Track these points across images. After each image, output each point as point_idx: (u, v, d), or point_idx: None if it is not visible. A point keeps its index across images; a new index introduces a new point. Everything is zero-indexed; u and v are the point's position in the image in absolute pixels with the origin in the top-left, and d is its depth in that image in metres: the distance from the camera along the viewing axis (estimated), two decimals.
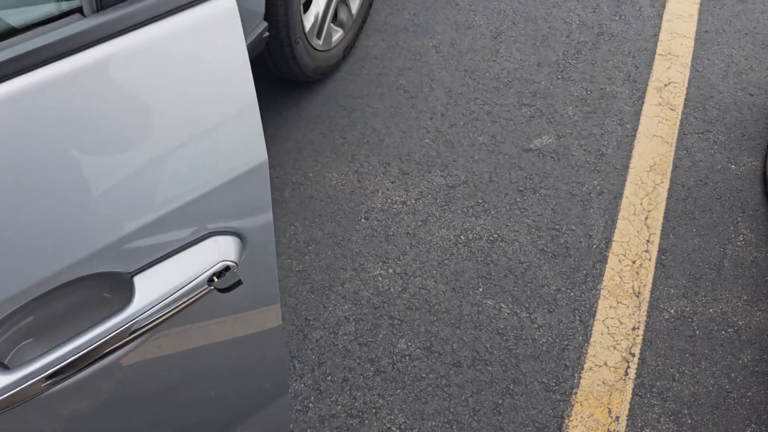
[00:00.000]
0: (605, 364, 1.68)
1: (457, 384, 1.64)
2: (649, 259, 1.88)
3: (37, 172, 0.61)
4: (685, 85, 2.33)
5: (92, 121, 0.64)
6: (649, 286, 1.83)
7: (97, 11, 0.63)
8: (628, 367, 1.68)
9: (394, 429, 1.58)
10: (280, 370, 1.04)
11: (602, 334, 1.73)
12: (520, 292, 1.80)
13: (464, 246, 1.90)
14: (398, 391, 1.63)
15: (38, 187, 0.62)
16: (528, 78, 2.33)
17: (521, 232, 1.93)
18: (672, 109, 2.26)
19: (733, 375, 1.66)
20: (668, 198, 2.02)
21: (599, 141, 2.16)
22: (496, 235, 1.92)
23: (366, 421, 1.58)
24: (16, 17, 0.65)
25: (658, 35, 2.49)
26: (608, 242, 1.91)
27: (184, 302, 0.69)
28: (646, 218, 1.97)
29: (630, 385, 1.65)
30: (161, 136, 0.67)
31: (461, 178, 2.05)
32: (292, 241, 1.90)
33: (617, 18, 2.55)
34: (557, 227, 1.94)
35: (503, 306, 1.78)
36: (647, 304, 1.79)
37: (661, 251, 1.90)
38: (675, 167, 2.10)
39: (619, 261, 1.87)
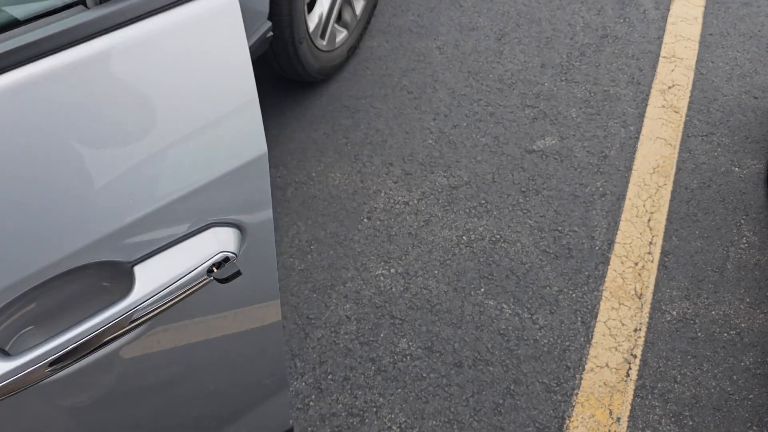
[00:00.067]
0: (607, 365, 1.68)
1: (458, 384, 1.64)
2: (652, 261, 1.87)
3: (38, 162, 0.62)
4: (689, 88, 2.33)
5: (93, 111, 0.64)
6: (652, 287, 1.82)
7: (100, 3, 0.64)
8: (630, 368, 1.67)
9: (394, 428, 1.58)
10: (279, 365, 1.04)
11: (604, 336, 1.73)
12: (521, 293, 1.80)
13: (466, 246, 1.90)
14: (399, 390, 1.63)
15: (40, 177, 0.62)
16: (531, 79, 2.34)
17: (523, 233, 1.93)
18: (676, 112, 2.26)
19: (734, 377, 1.66)
20: (671, 200, 2.02)
21: (602, 143, 2.16)
22: (498, 236, 1.92)
23: (367, 420, 1.59)
24: (20, 9, 0.66)
25: (662, 38, 2.49)
26: (611, 244, 1.91)
27: (184, 292, 0.69)
28: (649, 220, 1.97)
29: (631, 386, 1.64)
30: (162, 128, 0.68)
31: (464, 178, 2.06)
32: (295, 240, 1.91)
33: (621, 20, 2.56)
34: (560, 228, 1.94)
35: (505, 306, 1.77)
36: (649, 306, 1.79)
37: (664, 253, 1.89)
38: (678, 169, 2.10)
39: (622, 263, 1.87)
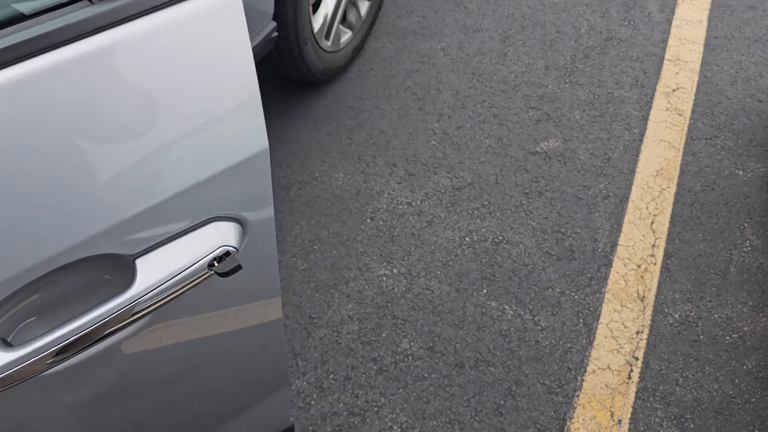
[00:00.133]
0: (608, 367, 1.68)
1: (460, 384, 1.64)
2: (655, 264, 1.87)
3: (41, 155, 0.63)
4: (694, 91, 2.33)
5: (97, 106, 0.65)
6: (654, 290, 1.82)
7: None
8: (632, 370, 1.67)
9: (395, 428, 1.58)
10: (280, 363, 1.05)
11: (606, 338, 1.73)
12: (524, 294, 1.80)
13: (469, 247, 1.90)
14: (400, 390, 1.63)
15: (43, 170, 0.63)
16: (535, 81, 2.34)
17: (526, 235, 1.93)
18: (680, 115, 2.26)
19: (737, 380, 1.65)
20: (674, 203, 2.02)
21: (606, 145, 2.16)
22: (501, 237, 1.92)
23: (368, 420, 1.59)
24: (25, 4, 0.67)
25: (666, 41, 2.49)
26: (613, 246, 1.91)
27: (185, 285, 0.70)
28: (652, 222, 1.97)
29: (633, 388, 1.64)
30: (165, 123, 0.68)
31: (467, 180, 2.06)
32: (298, 240, 1.91)
33: (626, 23, 2.56)
34: (562, 230, 1.94)
35: (507, 308, 1.78)
36: (652, 308, 1.78)
37: (667, 256, 1.89)
38: (682, 172, 2.09)
39: (624, 265, 1.87)
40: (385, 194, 2.02)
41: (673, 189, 2.05)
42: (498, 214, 1.97)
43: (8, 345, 0.63)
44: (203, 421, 1.03)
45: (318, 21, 2.09)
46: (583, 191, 2.04)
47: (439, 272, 1.84)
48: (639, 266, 1.87)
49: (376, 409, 1.60)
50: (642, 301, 1.80)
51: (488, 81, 2.34)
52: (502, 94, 2.30)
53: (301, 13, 1.93)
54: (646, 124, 2.23)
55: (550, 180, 2.06)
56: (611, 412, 1.61)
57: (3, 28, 0.63)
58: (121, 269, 0.68)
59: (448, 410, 1.60)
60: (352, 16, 2.30)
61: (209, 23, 0.69)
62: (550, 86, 2.33)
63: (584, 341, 1.72)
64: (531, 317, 1.76)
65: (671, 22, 2.56)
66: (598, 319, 1.76)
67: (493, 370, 1.66)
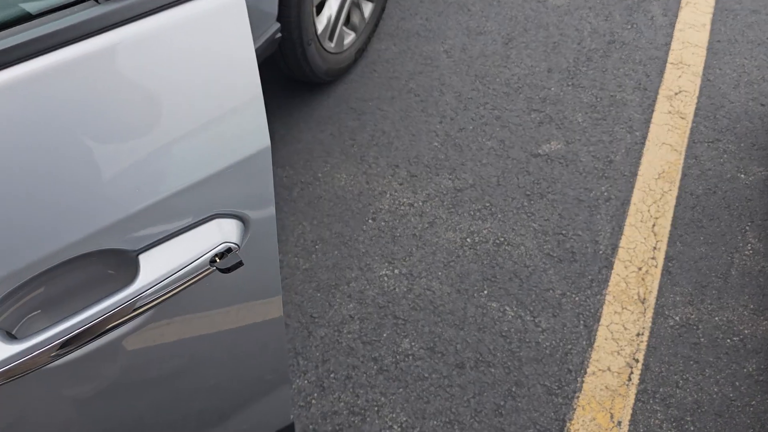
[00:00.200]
0: (608, 369, 1.68)
1: (460, 385, 1.65)
2: (656, 266, 1.88)
3: (47, 151, 0.64)
4: (696, 94, 2.33)
5: (102, 104, 0.66)
6: (655, 292, 1.82)
7: None
8: (632, 372, 1.67)
9: (395, 427, 1.58)
10: (280, 361, 1.06)
11: (606, 339, 1.73)
12: (524, 296, 1.81)
13: (470, 249, 1.91)
14: (401, 390, 1.64)
15: (48, 167, 0.64)
16: (538, 84, 2.35)
17: (527, 236, 1.93)
18: (682, 118, 2.26)
19: (737, 383, 1.65)
20: (676, 206, 2.02)
21: (608, 148, 2.17)
22: (502, 239, 1.93)
23: (368, 419, 1.59)
24: (32, 4, 0.68)
25: (669, 44, 2.50)
26: (614, 248, 1.91)
27: (187, 281, 0.71)
28: (654, 225, 1.97)
29: (633, 390, 1.64)
30: (168, 121, 0.69)
31: (469, 181, 2.07)
32: (300, 240, 1.92)
33: (629, 26, 2.56)
34: (564, 232, 1.95)
35: (507, 309, 1.78)
36: (652, 311, 1.79)
37: (668, 258, 1.89)
38: (684, 175, 2.10)
39: (625, 267, 1.87)
40: (387, 195, 2.03)
41: (675, 192, 2.05)
42: (499, 216, 1.98)
43: (13, 338, 0.64)
44: (204, 417, 1.04)
45: (322, 22, 2.10)
46: (584, 193, 2.04)
47: (440, 273, 1.85)
48: (640, 269, 1.87)
49: (376, 408, 1.61)
50: (643, 303, 1.80)
51: (491, 83, 2.35)
52: (504, 97, 2.31)
53: (304, 15, 1.94)
54: (649, 127, 2.23)
55: (552, 182, 2.07)
56: (611, 413, 1.61)
57: (10, 27, 0.64)
58: (125, 264, 0.69)
59: (448, 410, 1.61)
60: (355, 18, 2.31)
61: (213, 23, 0.70)
62: (552, 89, 2.33)
63: (585, 343, 1.72)
64: (531, 318, 1.76)
65: (674, 26, 2.56)
66: (598, 321, 1.76)
67: (493, 370, 1.67)
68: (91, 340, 0.66)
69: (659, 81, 2.37)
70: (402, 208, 2.00)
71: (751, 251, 1.91)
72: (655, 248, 1.92)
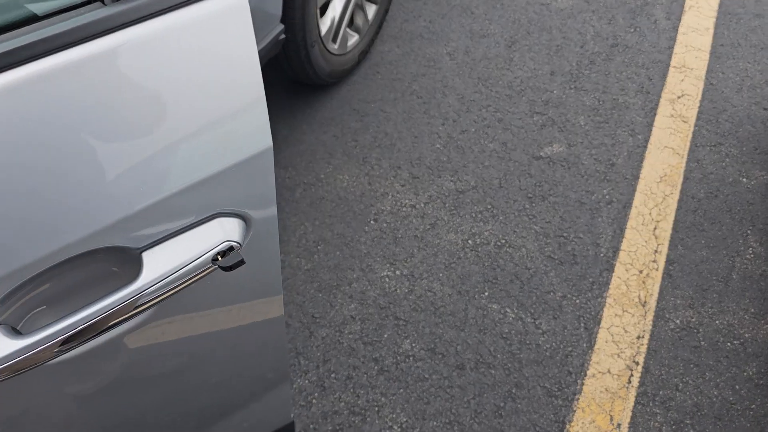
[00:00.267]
0: (608, 371, 1.68)
1: (460, 386, 1.65)
2: (657, 269, 1.88)
3: (52, 151, 0.65)
4: (699, 98, 2.34)
5: (107, 104, 0.67)
6: (656, 295, 1.83)
7: (117, 0, 0.67)
8: (632, 375, 1.68)
9: (395, 428, 1.59)
10: (281, 360, 1.06)
11: (606, 342, 1.74)
12: (525, 298, 1.81)
13: (471, 250, 1.91)
14: (401, 390, 1.65)
15: (54, 165, 0.65)
16: (541, 87, 2.35)
17: (529, 239, 1.94)
18: (684, 121, 2.27)
19: (737, 387, 1.66)
20: (678, 209, 2.02)
21: (610, 151, 2.17)
22: (503, 241, 1.94)
23: (368, 419, 1.60)
24: (38, 5, 0.69)
25: (672, 48, 2.50)
26: (616, 251, 1.92)
27: (190, 279, 0.71)
28: (655, 228, 1.98)
29: (633, 393, 1.65)
30: (171, 121, 0.70)
31: (471, 183, 2.07)
32: (302, 241, 1.93)
33: (632, 30, 2.57)
34: (565, 235, 1.95)
35: (508, 310, 1.79)
36: (653, 314, 1.79)
37: (669, 261, 1.90)
38: (686, 179, 2.10)
39: (626, 270, 1.88)
40: (389, 196, 2.04)
41: (677, 195, 2.06)
42: (501, 218, 1.99)
43: (18, 333, 0.65)
44: (205, 415, 1.04)
45: (325, 24, 2.12)
46: (586, 196, 2.05)
47: (441, 274, 1.86)
48: (641, 271, 1.87)
49: (376, 408, 1.62)
50: (643, 306, 1.81)
51: (493, 86, 2.35)
52: (507, 99, 2.31)
53: (308, 16, 1.95)
54: (651, 130, 2.23)
55: (554, 185, 2.07)
56: (611, 416, 1.61)
57: (16, 28, 0.65)
58: (129, 262, 0.70)
59: (448, 411, 1.61)
60: (359, 20, 2.32)
61: (217, 25, 0.71)
62: (555, 92, 2.34)
63: (585, 345, 1.73)
64: (532, 320, 1.77)
65: (677, 29, 2.57)
66: (599, 323, 1.77)
67: (493, 372, 1.67)
68: (94, 336, 0.67)
69: (662, 84, 2.38)
70: (404, 209, 2.01)
71: (752, 255, 1.92)
72: (656, 251, 1.92)
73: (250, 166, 0.75)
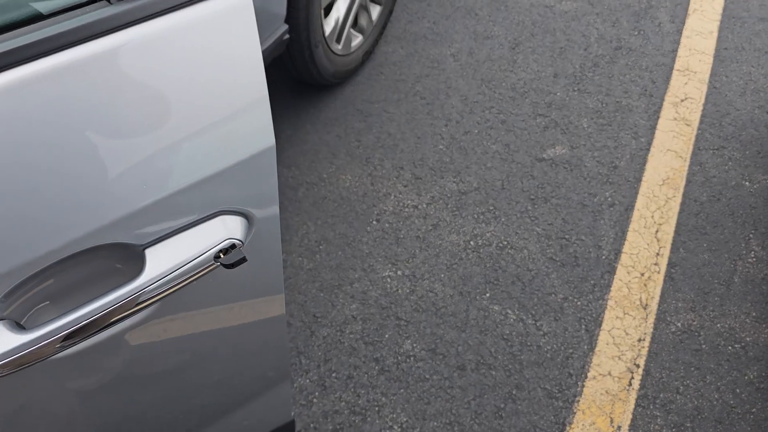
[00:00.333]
0: (609, 373, 1.68)
1: (461, 386, 1.66)
2: (658, 272, 1.88)
3: (57, 148, 0.65)
4: (702, 101, 2.34)
5: (111, 102, 0.67)
6: (657, 298, 1.83)
7: None
8: (632, 377, 1.68)
9: (396, 428, 1.59)
10: (282, 359, 1.07)
11: (607, 344, 1.74)
12: (526, 299, 1.81)
13: (473, 251, 1.92)
14: (402, 390, 1.65)
15: (58, 162, 0.65)
16: (544, 89, 2.36)
17: (531, 240, 1.94)
18: (687, 125, 2.27)
19: (738, 390, 1.66)
20: (680, 212, 2.02)
21: (613, 153, 2.17)
22: (505, 242, 1.94)
23: (368, 419, 1.60)
24: (43, 4, 0.69)
25: (676, 51, 2.50)
26: (617, 253, 1.92)
27: (192, 276, 0.72)
28: (657, 231, 1.98)
29: (633, 395, 1.65)
30: (175, 120, 0.71)
31: (473, 184, 2.08)
32: (304, 240, 1.94)
33: (636, 33, 2.57)
34: (567, 237, 1.95)
35: (509, 312, 1.79)
36: (654, 317, 1.79)
37: (671, 265, 1.90)
38: (688, 182, 2.10)
39: (628, 272, 1.88)
40: (392, 197, 2.04)
41: (679, 198, 2.06)
42: (503, 220, 1.99)
43: (21, 328, 0.65)
44: (206, 412, 1.05)
45: (329, 24, 2.12)
46: (588, 198, 2.05)
47: (443, 275, 1.86)
48: (642, 274, 1.87)
49: (377, 408, 1.62)
50: (645, 309, 1.81)
51: (497, 87, 2.36)
52: (510, 101, 2.32)
53: (313, 17, 1.96)
54: (654, 133, 2.23)
55: (556, 187, 2.07)
56: (611, 418, 1.61)
57: (21, 26, 0.65)
58: (132, 258, 0.71)
59: (448, 412, 1.62)
60: (363, 21, 2.32)
61: (221, 25, 0.72)
62: (558, 94, 2.34)
63: (586, 347, 1.73)
64: (533, 322, 1.77)
65: (681, 33, 2.57)
66: (600, 325, 1.77)
67: (494, 373, 1.68)
68: (97, 331, 0.67)
69: (665, 88, 2.38)
70: (406, 210, 2.01)
71: (754, 259, 1.91)
72: (658, 254, 1.92)
73: (253, 165, 0.75)
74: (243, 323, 0.96)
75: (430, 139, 2.19)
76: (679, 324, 1.78)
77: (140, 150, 0.69)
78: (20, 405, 0.77)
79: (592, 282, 1.85)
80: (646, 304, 1.81)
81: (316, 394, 1.64)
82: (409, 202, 2.03)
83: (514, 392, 1.64)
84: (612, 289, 1.84)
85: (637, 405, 1.63)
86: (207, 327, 0.92)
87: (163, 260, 0.70)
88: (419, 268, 1.88)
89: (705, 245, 1.94)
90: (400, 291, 1.83)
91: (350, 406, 1.62)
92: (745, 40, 2.55)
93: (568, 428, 1.59)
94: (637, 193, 2.06)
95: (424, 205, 2.02)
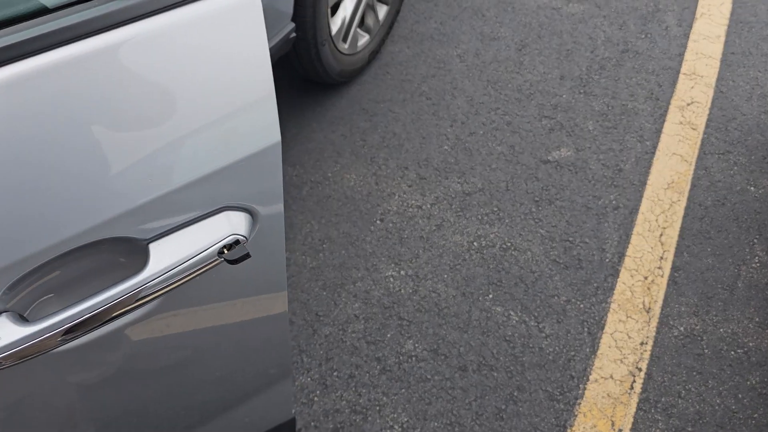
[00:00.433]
0: (611, 376, 1.68)
1: (462, 387, 1.65)
2: (662, 276, 1.87)
3: (62, 143, 0.65)
4: (708, 106, 2.33)
5: (116, 97, 0.68)
6: (660, 302, 1.82)
7: None
8: (634, 381, 1.67)
9: (396, 427, 1.59)
10: (284, 356, 1.07)
11: (610, 347, 1.73)
12: (529, 301, 1.81)
13: (477, 252, 1.91)
14: (403, 390, 1.65)
15: (63, 157, 0.66)
16: (550, 91, 2.35)
17: (534, 242, 1.94)
18: (693, 129, 2.26)
19: (740, 396, 1.65)
20: (684, 216, 2.02)
21: (618, 156, 2.17)
22: (509, 244, 1.94)
23: (369, 418, 1.60)
24: None
25: (683, 55, 2.50)
26: (621, 257, 1.91)
27: (195, 271, 0.72)
28: (661, 235, 1.97)
29: (635, 399, 1.64)
30: (181, 115, 0.71)
31: (478, 185, 2.07)
32: (308, 239, 1.94)
33: (643, 36, 2.56)
34: (571, 239, 1.95)
35: (512, 313, 1.79)
36: (657, 320, 1.78)
37: (674, 268, 1.89)
38: (693, 186, 2.09)
39: (631, 276, 1.87)
40: (396, 197, 2.04)
41: (684, 202, 2.05)
42: (507, 221, 1.99)
43: (24, 320, 0.66)
44: (207, 408, 1.05)
45: (336, 24, 2.12)
46: (593, 201, 2.04)
47: (446, 276, 1.86)
48: (646, 278, 1.87)
49: (378, 408, 1.62)
50: (647, 312, 1.80)
51: (503, 89, 2.35)
52: (516, 102, 2.31)
53: (319, 15, 1.96)
54: (659, 137, 2.23)
55: (561, 189, 2.07)
56: (612, 421, 1.61)
57: (27, 20, 0.65)
58: (136, 253, 0.71)
59: (449, 412, 1.61)
60: (370, 20, 2.32)
61: (228, 21, 0.72)
62: (564, 96, 2.34)
63: (588, 350, 1.72)
64: (536, 324, 1.77)
65: (689, 36, 2.56)
66: (602, 328, 1.76)
67: (495, 374, 1.67)
68: (100, 325, 0.67)
69: (671, 91, 2.37)
70: (410, 210, 2.01)
71: (758, 264, 1.91)
72: (661, 258, 1.92)
73: (258, 161, 0.75)
74: (245, 320, 0.96)
75: (435, 139, 2.19)
76: (681, 328, 1.77)
77: (147, 145, 0.69)
78: (22, 397, 0.77)
79: (595, 285, 1.85)
80: (649, 308, 1.81)
81: (318, 392, 1.64)
82: (413, 202, 2.03)
83: (515, 394, 1.64)
84: (615, 292, 1.84)
85: (638, 408, 1.63)
86: (209, 323, 0.92)
87: (167, 255, 0.70)
88: (422, 269, 1.87)
89: (709, 249, 1.94)
90: (402, 291, 1.83)
91: (351, 405, 1.62)
92: (752, 44, 2.54)
93: (569, 431, 1.59)
94: (641, 196, 2.06)
95: (428, 206, 2.02)
